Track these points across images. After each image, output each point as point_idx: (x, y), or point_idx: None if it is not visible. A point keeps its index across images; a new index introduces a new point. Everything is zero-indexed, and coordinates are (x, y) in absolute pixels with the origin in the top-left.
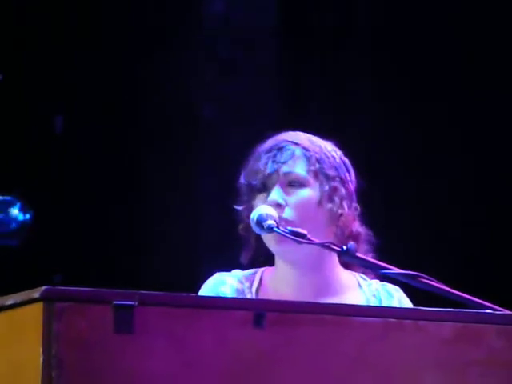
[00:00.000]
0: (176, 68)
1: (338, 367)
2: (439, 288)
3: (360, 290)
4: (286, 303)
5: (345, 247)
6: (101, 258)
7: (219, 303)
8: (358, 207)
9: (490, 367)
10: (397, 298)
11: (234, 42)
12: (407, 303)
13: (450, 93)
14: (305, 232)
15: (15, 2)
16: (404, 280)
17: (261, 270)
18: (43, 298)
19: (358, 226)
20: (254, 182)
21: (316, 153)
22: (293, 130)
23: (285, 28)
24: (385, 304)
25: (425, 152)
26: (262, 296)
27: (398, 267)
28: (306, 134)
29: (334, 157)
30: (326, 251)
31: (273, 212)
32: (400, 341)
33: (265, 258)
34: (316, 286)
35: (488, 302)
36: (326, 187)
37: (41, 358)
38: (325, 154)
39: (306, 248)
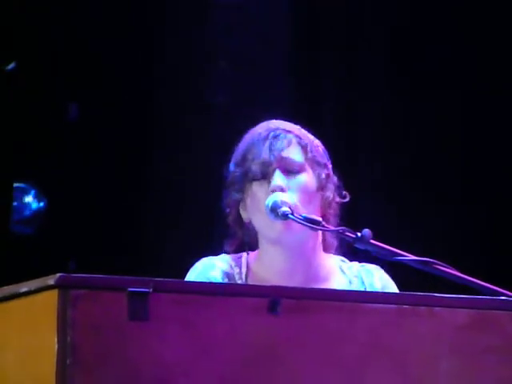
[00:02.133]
0: (189, 56)
1: (352, 354)
2: (453, 274)
3: (341, 273)
4: (301, 290)
5: (359, 234)
6: (115, 245)
7: (234, 290)
8: (347, 194)
9: (505, 353)
10: (377, 276)
11: (247, 31)
12: (387, 280)
13: (459, 93)
14: (319, 219)
15: None
16: (418, 267)
17: (245, 254)
18: (58, 285)
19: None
20: (253, 170)
21: (308, 141)
22: (308, 119)
23: (299, 17)
24: (366, 283)
25: (435, 146)
26: (251, 282)
27: (413, 254)
28: (289, 123)
29: (319, 146)
30: (317, 238)
31: (287, 199)
32: (414, 327)
33: (248, 247)
34: (305, 273)
35: (503, 288)
36: (323, 175)
37: (56, 345)
38: (312, 142)
39: (304, 234)
